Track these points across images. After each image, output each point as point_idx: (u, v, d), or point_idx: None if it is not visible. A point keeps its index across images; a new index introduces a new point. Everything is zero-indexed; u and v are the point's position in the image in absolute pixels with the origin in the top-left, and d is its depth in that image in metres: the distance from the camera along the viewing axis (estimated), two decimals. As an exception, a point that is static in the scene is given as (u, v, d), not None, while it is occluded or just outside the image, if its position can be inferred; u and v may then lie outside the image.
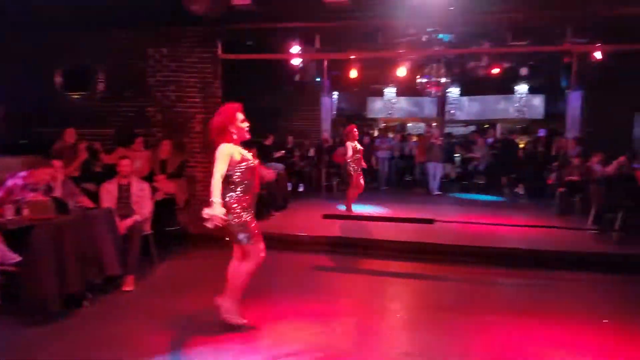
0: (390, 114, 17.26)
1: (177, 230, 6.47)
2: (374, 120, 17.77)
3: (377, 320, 4.02)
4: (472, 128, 16.47)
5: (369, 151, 12.40)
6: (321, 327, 3.80)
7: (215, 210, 3.29)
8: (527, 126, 16.08)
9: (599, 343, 3.57)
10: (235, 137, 3.60)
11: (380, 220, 7.57)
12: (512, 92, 15.88)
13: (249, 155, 3.65)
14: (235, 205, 3.52)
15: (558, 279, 5.28)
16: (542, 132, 13.44)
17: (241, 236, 3.55)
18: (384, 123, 17.78)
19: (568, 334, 3.71)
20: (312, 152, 11.71)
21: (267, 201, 7.84)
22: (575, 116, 11.37)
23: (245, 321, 3.68)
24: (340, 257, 6.04)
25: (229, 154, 3.48)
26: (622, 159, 7.47)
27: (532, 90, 15.74)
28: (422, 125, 17.15)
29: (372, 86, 16.10)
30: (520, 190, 10.93)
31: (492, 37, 9.21)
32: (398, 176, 12.58)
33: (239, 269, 3.64)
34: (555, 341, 3.58)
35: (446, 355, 3.36)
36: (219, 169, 3.42)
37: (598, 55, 9.41)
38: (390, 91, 16.85)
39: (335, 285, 5.13)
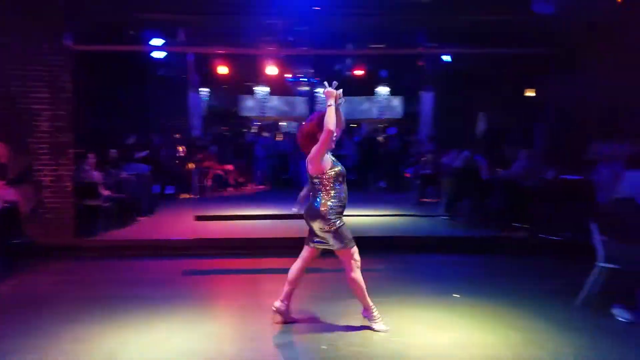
0: (263, 112, 17.29)
1: (23, 243, 5.70)
2: (247, 118, 17.66)
3: (257, 318, 3.95)
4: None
5: (248, 150, 12.31)
6: (198, 331, 3.64)
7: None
8: (387, 125, 17.37)
9: (451, 316, 3.96)
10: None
11: (257, 218, 7.54)
12: (373, 93, 17.01)
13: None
14: (331, 211, 3.51)
15: (416, 261, 5.78)
16: (392, 131, 14.45)
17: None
18: (257, 122, 17.76)
19: (424, 311, 4.07)
20: (181, 151, 11.20)
21: (129, 206, 7.31)
22: (428, 115, 12.58)
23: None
24: (216, 259, 5.86)
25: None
26: (467, 153, 8.42)
27: (392, 92, 17.05)
28: (295, 124, 17.49)
29: (244, 84, 15.98)
30: (382, 183, 11.77)
31: (354, 40, 9.76)
32: (274, 174, 12.68)
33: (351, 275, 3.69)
34: (415, 317, 3.90)
35: (320, 341, 3.45)
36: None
37: (447, 58, 10.54)
38: (262, 90, 16.87)
39: (211, 288, 4.96)
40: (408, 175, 10.85)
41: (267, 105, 17.22)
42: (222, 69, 12.31)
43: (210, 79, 13.67)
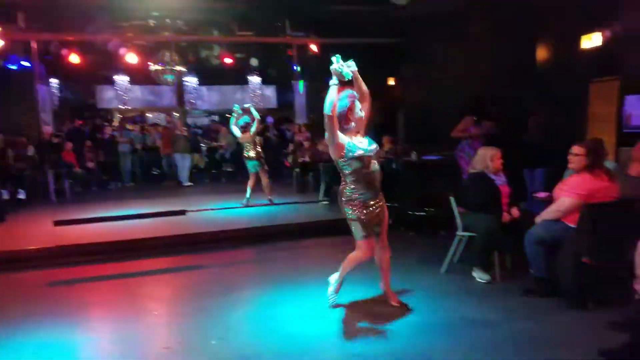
0: (124, 103, 16.03)
1: None
2: (107, 110, 16.24)
3: (134, 324, 3.71)
4: (214, 117, 16.81)
5: (110, 146, 11.31)
6: (71, 347, 3.28)
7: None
8: (263, 115, 17.35)
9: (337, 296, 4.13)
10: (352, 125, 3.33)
11: (125, 218, 6.99)
12: (246, 82, 16.83)
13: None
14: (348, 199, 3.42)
15: (302, 246, 5.93)
16: (269, 120, 14.57)
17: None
18: (120, 114, 16.44)
19: (312, 289, 4.18)
20: (31, 151, 9.89)
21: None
22: (302, 104, 12.83)
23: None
24: (83, 266, 5.32)
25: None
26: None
27: (265, 81, 17.03)
28: (164, 116, 16.56)
29: (100, 73, 14.61)
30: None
31: (221, 26, 9.51)
32: (144, 170, 11.88)
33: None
34: (304, 296, 4.00)
35: (209, 338, 3.36)
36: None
37: (314, 48, 10.80)
38: (122, 79, 15.59)
39: (82, 297, 4.49)
40: (287, 163, 11.01)
41: (129, 95, 16.01)
42: (74, 58, 11.09)
43: (59, 68, 12.24)
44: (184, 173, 10.91)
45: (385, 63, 9.47)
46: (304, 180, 9.42)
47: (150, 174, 11.93)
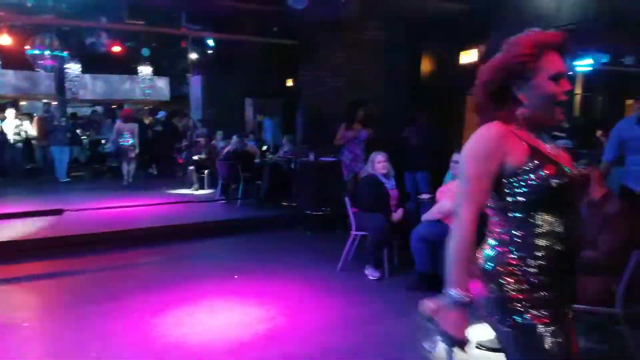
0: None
1: None
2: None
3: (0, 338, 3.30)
4: (98, 108, 15.56)
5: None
6: None
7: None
8: (155, 108, 16.49)
9: (235, 297, 4.09)
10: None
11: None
12: (136, 72, 15.84)
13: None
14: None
15: (196, 248, 5.74)
16: (162, 114, 13.89)
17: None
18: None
19: (207, 293, 4.09)
20: None
21: None
22: (198, 98, 12.39)
23: None
24: None
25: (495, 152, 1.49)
26: (236, 138, 8.64)
27: (157, 72, 16.17)
28: (41, 104, 14.94)
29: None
30: (153, 170, 11.18)
31: (109, 12, 8.84)
32: (16, 164, 10.59)
33: None
34: (197, 301, 3.89)
35: (89, 350, 3.11)
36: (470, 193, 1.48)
37: (211, 42, 10.50)
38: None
39: None
40: (181, 160, 10.57)
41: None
42: None
43: None
44: (61, 168, 9.96)
45: (285, 64, 9.53)
46: (200, 178, 9.13)
47: (24, 168, 10.70)
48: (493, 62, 1.52)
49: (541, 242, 1.42)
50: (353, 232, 4.79)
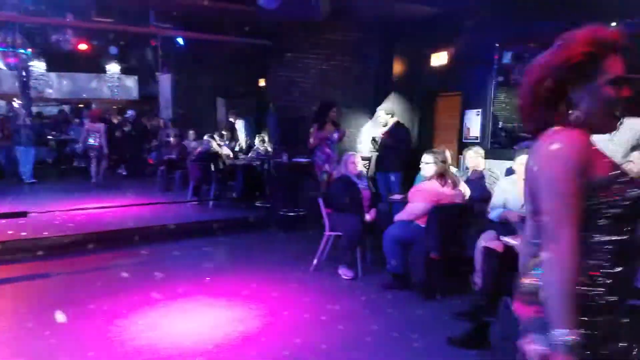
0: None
1: None
2: None
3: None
4: (65, 108, 15.13)
5: None
6: None
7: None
8: (123, 107, 16.10)
9: (206, 297, 4.06)
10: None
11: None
12: (104, 71, 15.43)
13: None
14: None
15: (168, 249, 5.64)
16: (130, 113, 13.56)
17: None
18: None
19: (179, 295, 4.05)
20: None
21: None
22: (168, 98, 12.19)
23: None
24: None
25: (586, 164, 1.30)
26: (207, 138, 8.55)
27: (125, 71, 15.79)
28: (3, 103, 14.41)
29: None
30: (122, 170, 10.94)
31: (75, 9, 8.60)
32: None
33: None
34: (169, 304, 3.85)
35: (57, 356, 3.04)
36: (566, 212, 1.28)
37: (181, 41, 10.35)
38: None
39: None
40: (151, 161, 10.39)
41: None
42: None
43: None
44: (26, 168, 9.64)
45: (257, 64, 9.48)
46: (170, 179, 8.99)
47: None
48: (544, 59, 1.33)
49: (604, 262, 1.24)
50: (327, 233, 4.82)
